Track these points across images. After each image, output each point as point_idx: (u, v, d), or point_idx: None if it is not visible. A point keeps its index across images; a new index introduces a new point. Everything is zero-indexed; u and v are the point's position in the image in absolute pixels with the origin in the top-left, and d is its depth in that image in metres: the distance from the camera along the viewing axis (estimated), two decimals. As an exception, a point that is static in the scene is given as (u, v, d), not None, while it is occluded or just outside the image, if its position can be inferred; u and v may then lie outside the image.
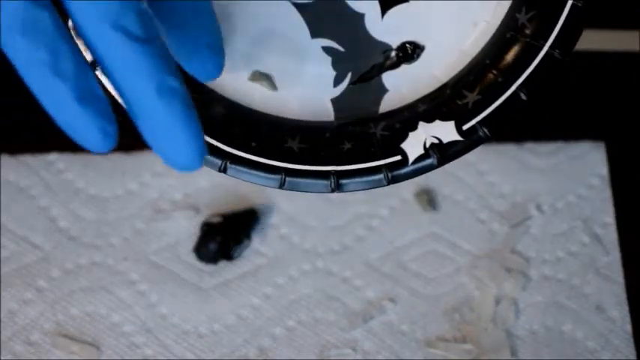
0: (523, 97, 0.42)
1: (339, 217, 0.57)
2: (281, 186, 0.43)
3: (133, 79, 0.32)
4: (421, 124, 0.43)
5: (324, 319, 0.55)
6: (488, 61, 0.43)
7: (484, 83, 0.43)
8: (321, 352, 0.54)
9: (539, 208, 0.58)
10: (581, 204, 0.58)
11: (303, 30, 0.43)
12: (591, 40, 0.61)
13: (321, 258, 0.56)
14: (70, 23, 0.34)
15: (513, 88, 0.42)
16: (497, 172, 0.59)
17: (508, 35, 0.42)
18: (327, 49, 0.44)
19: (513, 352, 0.54)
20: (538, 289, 0.56)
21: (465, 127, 0.42)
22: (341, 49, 0.44)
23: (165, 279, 0.56)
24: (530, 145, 0.59)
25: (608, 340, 0.54)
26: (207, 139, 0.43)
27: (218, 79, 0.42)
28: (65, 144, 0.59)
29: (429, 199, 0.58)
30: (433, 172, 0.57)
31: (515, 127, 0.59)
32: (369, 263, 0.56)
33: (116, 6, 0.31)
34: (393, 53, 0.44)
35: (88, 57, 0.36)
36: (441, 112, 0.43)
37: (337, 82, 0.44)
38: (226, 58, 0.42)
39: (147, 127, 0.33)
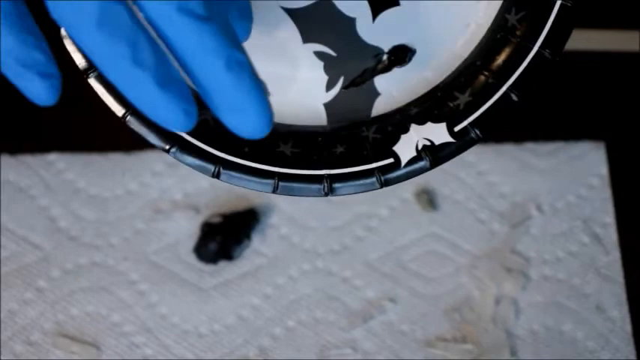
0: (514, 97, 0.42)
1: (339, 217, 0.57)
2: (274, 190, 0.43)
3: (202, 57, 0.33)
4: (413, 127, 0.43)
5: (324, 319, 0.55)
6: (479, 63, 0.43)
7: (475, 85, 0.43)
8: (321, 352, 0.54)
9: (539, 208, 0.58)
10: (581, 204, 0.58)
11: (295, 35, 0.44)
12: (591, 40, 0.61)
13: (321, 258, 0.56)
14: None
15: (504, 88, 0.42)
16: (497, 172, 0.59)
17: (498, 36, 0.42)
18: (319, 54, 0.44)
19: (513, 352, 0.54)
20: (538, 289, 0.56)
21: (456, 129, 0.43)
22: (333, 53, 0.44)
23: (166, 279, 0.56)
24: (530, 145, 0.59)
25: (608, 340, 0.54)
26: (200, 144, 0.43)
27: None
28: (65, 144, 0.59)
29: (429, 199, 0.58)
30: (432, 172, 0.57)
31: (515, 127, 0.59)
32: (369, 263, 0.56)
33: None
34: (385, 57, 0.44)
35: None
36: (433, 114, 0.43)
37: (329, 86, 0.44)
38: None
39: (218, 102, 0.34)
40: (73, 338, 0.54)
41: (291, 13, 0.43)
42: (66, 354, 0.54)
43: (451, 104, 0.43)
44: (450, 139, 0.43)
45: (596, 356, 0.54)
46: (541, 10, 0.42)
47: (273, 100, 0.43)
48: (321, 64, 0.44)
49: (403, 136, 0.43)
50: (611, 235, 0.57)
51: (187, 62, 0.33)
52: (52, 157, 0.59)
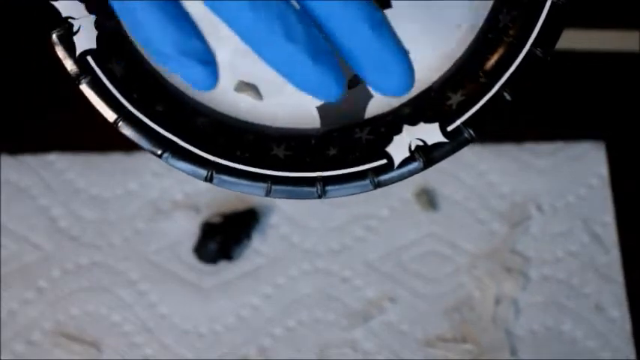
0: (507, 97, 0.42)
1: (339, 217, 0.57)
2: (267, 194, 0.43)
3: (348, 21, 0.34)
4: (406, 127, 0.43)
5: (324, 319, 0.55)
6: (471, 63, 0.43)
7: (468, 84, 0.43)
8: (321, 351, 0.54)
9: (539, 208, 0.58)
10: (580, 204, 0.58)
11: None
12: (591, 40, 0.61)
13: (321, 258, 0.56)
14: None
15: (496, 88, 0.42)
16: (497, 172, 0.59)
17: (490, 36, 0.43)
18: None
19: (513, 352, 0.54)
20: (538, 288, 0.56)
21: (449, 129, 0.43)
22: None
23: (166, 279, 0.56)
24: (530, 146, 0.59)
25: (608, 339, 0.54)
26: (192, 148, 0.43)
27: (206, 92, 0.43)
28: (65, 144, 0.59)
29: (429, 199, 0.58)
30: (432, 172, 0.58)
31: (515, 127, 0.59)
32: (369, 263, 0.56)
33: None
34: None
35: None
36: (426, 115, 0.43)
37: None
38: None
39: (364, 63, 0.35)
40: (73, 338, 0.54)
41: None
42: (66, 354, 0.54)
43: (444, 104, 0.43)
44: (443, 139, 0.43)
45: (596, 356, 0.54)
46: (532, 9, 0.42)
47: (267, 103, 0.44)
48: None
49: (396, 137, 0.43)
50: (611, 235, 0.57)
51: (333, 27, 0.34)
52: (53, 157, 0.59)
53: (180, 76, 0.37)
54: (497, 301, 0.55)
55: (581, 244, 0.57)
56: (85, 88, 0.43)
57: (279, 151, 0.44)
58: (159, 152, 0.43)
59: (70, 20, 0.43)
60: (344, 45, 0.35)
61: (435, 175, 0.58)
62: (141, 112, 0.44)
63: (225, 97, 0.44)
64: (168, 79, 0.44)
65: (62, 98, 0.61)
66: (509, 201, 0.58)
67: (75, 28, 0.43)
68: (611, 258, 0.56)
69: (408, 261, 0.56)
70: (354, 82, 0.44)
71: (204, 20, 0.44)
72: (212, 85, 0.38)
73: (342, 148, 0.44)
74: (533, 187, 0.58)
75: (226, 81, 0.45)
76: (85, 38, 0.43)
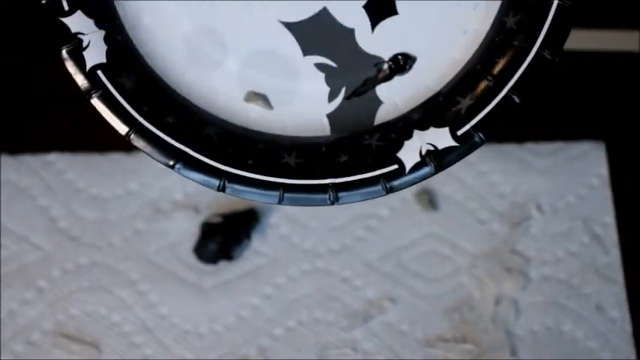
0: (516, 99, 0.43)
1: (339, 218, 0.57)
2: (280, 201, 0.43)
3: None
4: (416, 132, 0.44)
5: (324, 319, 0.55)
6: (479, 67, 0.43)
7: (476, 88, 0.43)
8: (321, 351, 0.54)
9: (539, 208, 0.58)
10: (581, 204, 0.58)
11: (295, 48, 0.44)
12: (591, 40, 0.61)
13: (321, 258, 0.56)
14: None
15: (505, 91, 0.43)
16: (497, 172, 0.59)
17: (497, 39, 0.43)
18: (319, 66, 0.45)
19: (513, 352, 0.54)
20: (538, 289, 0.56)
21: (459, 133, 0.43)
22: (333, 64, 0.45)
23: (166, 279, 0.56)
24: (530, 146, 0.59)
25: (608, 339, 0.54)
26: (204, 159, 0.44)
27: (212, 100, 0.44)
28: (65, 144, 0.59)
29: (429, 199, 0.58)
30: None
31: (515, 127, 0.59)
32: (369, 263, 0.56)
33: None
34: (386, 66, 0.44)
35: None
36: (435, 120, 0.44)
37: (332, 97, 0.45)
38: (220, 79, 0.44)
39: None
40: (73, 338, 0.54)
41: (290, 26, 0.44)
42: (66, 354, 0.54)
43: (453, 109, 0.43)
44: (454, 143, 0.43)
45: (596, 356, 0.54)
46: (538, 12, 0.42)
47: (277, 113, 0.45)
48: (322, 75, 0.45)
49: (406, 142, 0.44)
50: (611, 235, 0.57)
51: None
52: (53, 157, 0.59)
53: None
54: (498, 301, 0.55)
55: (582, 244, 0.57)
56: (96, 102, 0.44)
57: (290, 160, 0.44)
58: (171, 163, 0.43)
59: (79, 36, 0.44)
60: None
61: (435, 176, 0.58)
62: (152, 124, 0.44)
63: (234, 107, 0.45)
64: (178, 91, 0.45)
65: (62, 98, 0.60)
66: (509, 201, 0.58)
67: (84, 44, 0.44)
68: (612, 258, 0.56)
69: (408, 261, 0.56)
70: (363, 90, 0.45)
71: (213, 32, 0.45)
72: None
73: (353, 155, 0.44)
74: (534, 187, 0.58)
75: (236, 91, 0.45)
76: (95, 53, 0.44)
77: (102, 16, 0.44)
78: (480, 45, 0.44)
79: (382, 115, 0.45)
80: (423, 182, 0.58)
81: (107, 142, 0.59)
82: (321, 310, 0.55)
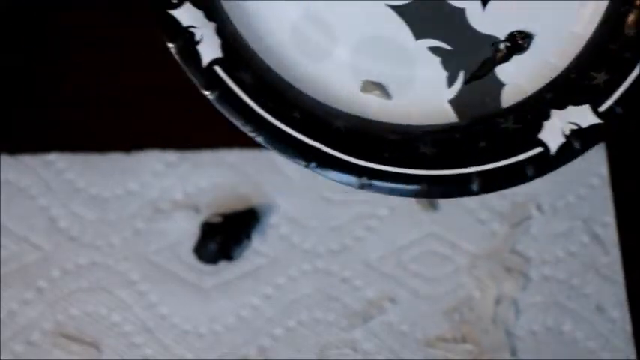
0: None
1: (339, 217, 0.57)
2: (423, 195, 0.41)
3: None
4: (554, 112, 0.42)
5: (324, 319, 0.55)
6: (607, 39, 0.41)
7: (610, 61, 0.41)
8: (321, 352, 0.54)
9: (539, 208, 0.58)
10: (581, 204, 0.58)
11: (406, 32, 0.42)
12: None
13: (321, 258, 0.56)
14: None
15: None
16: (497, 172, 0.58)
17: (622, 9, 0.41)
18: (433, 50, 0.43)
19: (513, 352, 0.54)
20: (538, 289, 0.56)
21: (601, 109, 0.41)
22: (448, 47, 0.43)
23: (165, 279, 0.56)
24: (530, 145, 0.59)
25: (608, 340, 0.54)
26: (339, 154, 0.41)
27: (328, 92, 0.42)
28: (65, 144, 0.59)
29: (429, 199, 0.58)
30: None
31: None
32: (369, 263, 0.56)
33: None
34: (502, 45, 0.43)
35: None
36: (572, 97, 0.42)
37: (451, 82, 0.43)
38: (331, 69, 0.42)
39: None
40: (72, 338, 0.54)
41: (398, 9, 0.42)
42: (66, 354, 0.54)
43: (589, 84, 0.41)
44: (597, 120, 0.41)
45: (596, 356, 0.54)
46: None
47: (397, 102, 0.42)
48: (437, 59, 0.43)
49: (546, 123, 0.42)
50: (611, 235, 0.57)
51: None
52: (52, 157, 0.59)
53: None
54: (498, 302, 0.55)
55: (582, 244, 0.57)
56: (216, 101, 0.41)
57: (427, 150, 0.41)
58: (304, 163, 0.41)
59: (191, 29, 0.41)
60: None
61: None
62: (280, 121, 0.41)
63: (352, 98, 0.43)
64: (295, 84, 0.42)
65: (62, 98, 0.61)
66: (509, 201, 0.58)
67: (197, 38, 0.41)
68: (612, 258, 0.56)
69: (408, 261, 0.56)
70: (482, 73, 0.43)
71: (319, 19, 0.43)
72: None
73: (491, 141, 0.42)
74: (534, 187, 0.58)
75: (350, 81, 0.43)
76: (209, 47, 0.41)
77: (210, 8, 0.41)
78: (603, 17, 0.41)
79: (509, 97, 0.43)
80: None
81: (107, 142, 0.59)
82: (321, 310, 0.55)
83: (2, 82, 0.61)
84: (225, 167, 0.58)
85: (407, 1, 0.42)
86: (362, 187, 0.42)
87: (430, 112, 0.43)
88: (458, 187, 0.41)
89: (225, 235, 0.56)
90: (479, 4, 0.42)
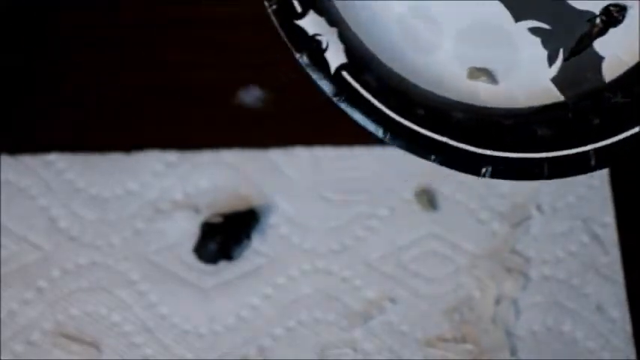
0: None
1: (339, 217, 0.57)
2: (547, 177, 0.42)
3: None
4: None
5: (324, 319, 0.55)
6: None
7: None
8: (321, 352, 0.54)
9: (539, 208, 0.58)
10: (581, 204, 0.58)
11: (506, 16, 0.43)
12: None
13: (321, 258, 0.56)
14: None
15: None
16: (497, 172, 0.58)
17: None
18: (533, 30, 0.43)
19: (513, 352, 0.54)
20: (538, 289, 0.56)
21: None
22: (547, 27, 0.43)
23: (165, 279, 0.56)
24: (530, 145, 0.59)
25: (608, 340, 0.54)
26: (464, 146, 0.42)
27: (439, 83, 0.43)
28: (65, 144, 0.59)
29: (429, 199, 0.58)
30: (432, 172, 0.57)
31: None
32: (369, 263, 0.56)
33: None
34: (598, 19, 0.42)
35: None
36: None
37: (551, 61, 0.43)
38: (440, 60, 0.43)
39: None
40: (72, 338, 0.54)
41: None
42: (66, 354, 0.54)
43: None
44: None
45: (596, 356, 0.54)
46: None
47: (503, 86, 0.43)
48: (537, 40, 0.43)
49: None
50: (611, 235, 0.57)
51: None
52: (52, 157, 0.59)
53: None
54: (498, 302, 0.55)
55: (582, 244, 0.57)
56: (346, 107, 0.42)
57: (543, 131, 0.42)
58: (433, 157, 0.42)
59: (317, 37, 0.42)
60: None
61: (435, 175, 0.58)
62: (408, 120, 0.42)
63: (461, 87, 0.43)
64: (413, 81, 0.43)
65: (62, 98, 0.61)
66: (509, 201, 0.58)
67: (324, 45, 0.42)
68: (612, 258, 0.56)
69: (408, 261, 0.56)
70: (580, 49, 0.43)
71: (424, 12, 0.43)
72: None
73: (605, 116, 0.42)
74: (534, 187, 0.58)
75: (457, 69, 0.44)
76: (335, 53, 0.42)
77: (330, 12, 0.42)
78: None
79: (610, 71, 0.42)
80: (424, 182, 0.58)
81: (107, 142, 0.59)
82: (321, 310, 0.55)
83: (2, 82, 0.61)
84: (225, 167, 0.58)
85: None
86: (485, 174, 0.42)
87: (535, 93, 0.43)
88: (577, 166, 0.42)
89: (225, 235, 0.56)
90: None
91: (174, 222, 0.57)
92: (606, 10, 0.42)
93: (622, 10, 0.42)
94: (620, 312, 0.55)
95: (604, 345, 0.54)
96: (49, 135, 0.59)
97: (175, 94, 0.60)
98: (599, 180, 0.58)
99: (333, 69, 0.42)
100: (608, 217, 0.57)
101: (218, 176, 0.58)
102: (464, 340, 0.54)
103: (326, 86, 0.42)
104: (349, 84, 0.42)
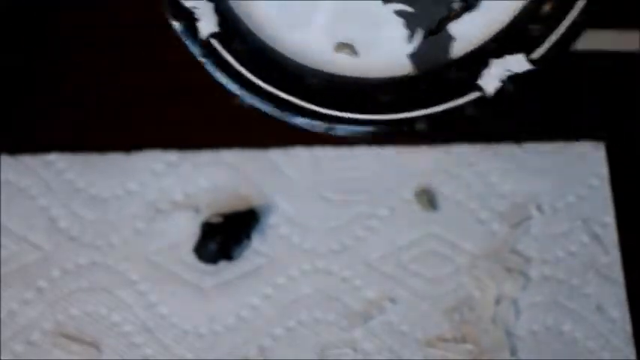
0: (582, 22, 0.49)
1: (339, 217, 0.57)
2: (376, 136, 0.50)
3: None
4: (493, 61, 0.49)
5: (324, 319, 0.55)
6: None
7: (545, 14, 0.49)
8: (322, 352, 0.54)
9: (539, 208, 0.58)
10: (581, 204, 0.58)
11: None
12: (591, 40, 0.61)
13: (321, 258, 0.56)
14: None
15: (573, 15, 0.49)
16: (497, 172, 0.58)
17: None
18: (398, 13, 0.51)
19: (513, 352, 0.54)
20: (538, 289, 0.56)
21: (534, 57, 0.48)
22: (410, 9, 0.51)
23: (165, 279, 0.56)
24: (530, 145, 0.59)
25: (608, 340, 0.54)
26: (308, 105, 0.50)
27: (306, 54, 0.51)
28: (65, 144, 0.59)
29: (429, 199, 0.58)
30: (433, 172, 0.57)
31: (515, 127, 0.59)
32: (369, 263, 0.56)
33: None
34: (456, 5, 0.50)
35: None
36: (510, 47, 0.49)
37: (410, 39, 0.51)
38: (312, 32, 0.51)
39: None
40: (72, 338, 0.54)
41: None
42: (66, 354, 0.54)
43: (526, 35, 0.49)
44: (530, 67, 0.48)
45: (596, 356, 0.54)
46: None
47: (364, 59, 0.51)
48: (401, 21, 0.51)
49: (485, 71, 0.49)
50: (611, 235, 0.57)
51: None
52: (52, 157, 0.59)
53: None
54: (498, 302, 0.55)
55: (582, 244, 0.57)
56: (211, 69, 0.50)
57: (383, 97, 0.50)
58: (279, 112, 0.50)
59: (192, 9, 0.50)
60: None
61: (435, 175, 0.58)
62: (263, 81, 0.50)
63: (326, 58, 0.51)
64: (279, 50, 0.51)
65: (62, 98, 0.61)
66: (509, 201, 0.58)
67: (196, 16, 0.50)
68: (612, 258, 0.56)
69: (408, 261, 0.56)
70: (438, 30, 0.51)
71: None
72: None
73: (437, 88, 0.49)
74: (534, 187, 0.58)
75: (325, 43, 0.51)
76: (207, 23, 0.50)
77: None
78: None
79: (458, 50, 0.50)
80: (424, 182, 0.58)
81: (107, 142, 0.59)
82: (321, 310, 0.55)
83: (2, 82, 0.61)
84: (225, 167, 0.58)
85: None
86: (327, 130, 0.50)
87: (391, 66, 0.51)
88: (407, 128, 0.50)
89: (225, 235, 0.56)
90: None
91: (174, 222, 0.57)
92: None
93: None
94: (620, 312, 0.55)
95: (604, 345, 0.54)
96: (49, 135, 0.59)
97: (175, 94, 0.60)
98: (599, 180, 0.58)
99: (204, 36, 0.50)
100: (609, 217, 0.57)
101: (218, 176, 0.58)
102: (464, 340, 0.54)
103: (195, 50, 0.50)
104: (216, 50, 0.50)
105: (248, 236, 0.56)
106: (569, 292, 0.56)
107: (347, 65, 0.51)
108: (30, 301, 0.55)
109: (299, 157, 0.59)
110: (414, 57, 0.50)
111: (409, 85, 0.50)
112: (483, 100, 0.48)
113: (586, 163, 0.59)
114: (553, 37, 0.48)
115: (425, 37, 0.50)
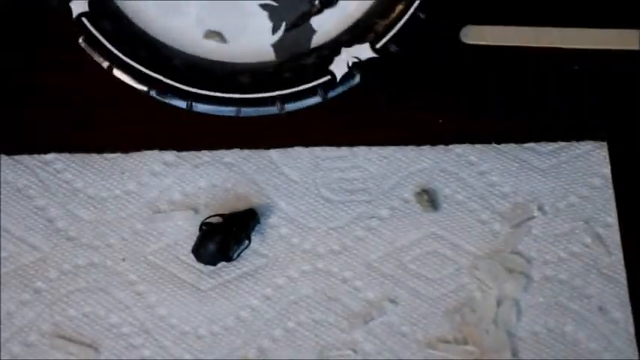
0: (421, 16, 0.57)
1: (339, 218, 0.57)
2: (238, 113, 0.55)
3: None
4: (344, 50, 0.57)
5: (323, 320, 0.55)
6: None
7: (390, 11, 0.57)
8: (321, 353, 0.54)
9: (540, 208, 0.57)
10: (583, 204, 0.58)
11: None
12: (591, 40, 0.61)
13: (321, 258, 0.56)
14: None
15: (412, 9, 0.57)
16: (498, 172, 0.58)
17: None
18: (263, 6, 0.59)
19: (514, 353, 0.54)
20: (540, 289, 0.55)
21: (378, 46, 0.56)
22: (275, 4, 0.59)
23: (164, 280, 0.56)
24: (531, 146, 0.59)
25: (611, 341, 0.54)
26: (173, 83, 0.55)
27: (177, 39, 0.58)
28: (63, 144, 0.59)
29: (429, 200, 0.57)
30: (433, 172, 0.57)
31: (516, 127, 0.59)
32: (369, 264, 0.56)
33: None
34: (317, 1, 0.59)
35: None
36: (359, 38, 0.57)
37: (274, 30, 0.58)
38: (184, 20, 0.58)
39: None
40: (70, 339, 0.54)
41: None
42: (63, 355, 0.53)
43: (373, 28, 0.57)
44: (374, 55, 0.56)
45: (599, 357, 0.53)
46: None
47: (231, 46, 0.58)
48: (265, 13, 0.59)
49: (336, 58, 0.57)
50: (614, 236, 0.57)
51: None
52: (50, 157, 0.59)
53: None
54: (499, 302, 0.55)
55: (584, 244, 0.57)
56: (84, 44, 0.56)
57: (244, 79, 0.56)
58: (146, 89, 0.56)
59: None
60: None
61: (435, 175, 0.58)
62: (129, 58, 0.56)
63: (196, 43, 0.58)
64: (148, 32, 0.57)
65: (61, 98, 0.60)
66: (510, 201, 0.58)
67: None
68: (614, 259, 0.56)
69: (409, 262, 0.56)
70: (300, 23, 0.58)
71: None
72: None
73: (295, 72, 0.56)
74: (535, 188, 0.58)
75: (196, 30, 0.58)
76: (80, 4, 0.57)
77: None
78: None
79: (318, 41, 0.58)
80: (424, 182, 0.58)
81: (105, 142, 0.59)
82: (320, 311, 0.55)
83: (2, 82, 0.61)
84: (225, 167, 0.58)
85: None
86: (189, 107, 0.56)
87: (256, 53, 0.58)
88: (265, 108, 0.56)
89: (225, 235, 0.55)
90: None
91: (173, 222, 0.57)
92: None
93: None
94: (622, 313, 0.55)
95: (606, 346, 0.54)
96: (48, 135, 0.59)
97: (175, 94, 0.60)
98: (602, 180, 0.58)
99: (75, 14, 0.57)
100: (611, 218, 0.57)
101: (217, 176, 0.58)
102: (465, 342, 0.54)
103: (68, 27, 0.56)
104: (87, 27, 0.56)
105: (247, 237, 0.56)
106: (571, 293, 0.55)
107: (216, 51, 0.57)
108: (28, 302, 0.55)
109: (299, 157, 0.59)
110: (277, 46, 0.58)
111: (270, 69, 0.57)
112: (332, 83, 0.56)
113: (588, 163, 0.59)
114: (393, 31, 0.56)
115: (288, 29, 0.58)
